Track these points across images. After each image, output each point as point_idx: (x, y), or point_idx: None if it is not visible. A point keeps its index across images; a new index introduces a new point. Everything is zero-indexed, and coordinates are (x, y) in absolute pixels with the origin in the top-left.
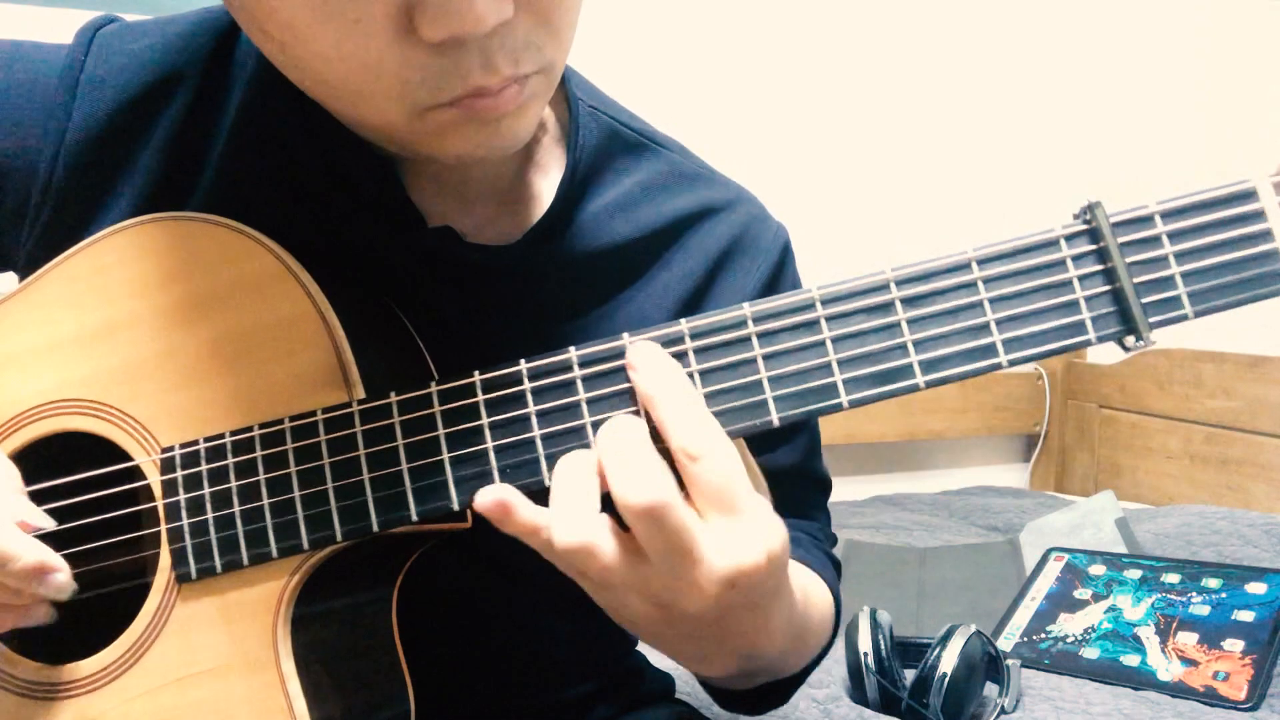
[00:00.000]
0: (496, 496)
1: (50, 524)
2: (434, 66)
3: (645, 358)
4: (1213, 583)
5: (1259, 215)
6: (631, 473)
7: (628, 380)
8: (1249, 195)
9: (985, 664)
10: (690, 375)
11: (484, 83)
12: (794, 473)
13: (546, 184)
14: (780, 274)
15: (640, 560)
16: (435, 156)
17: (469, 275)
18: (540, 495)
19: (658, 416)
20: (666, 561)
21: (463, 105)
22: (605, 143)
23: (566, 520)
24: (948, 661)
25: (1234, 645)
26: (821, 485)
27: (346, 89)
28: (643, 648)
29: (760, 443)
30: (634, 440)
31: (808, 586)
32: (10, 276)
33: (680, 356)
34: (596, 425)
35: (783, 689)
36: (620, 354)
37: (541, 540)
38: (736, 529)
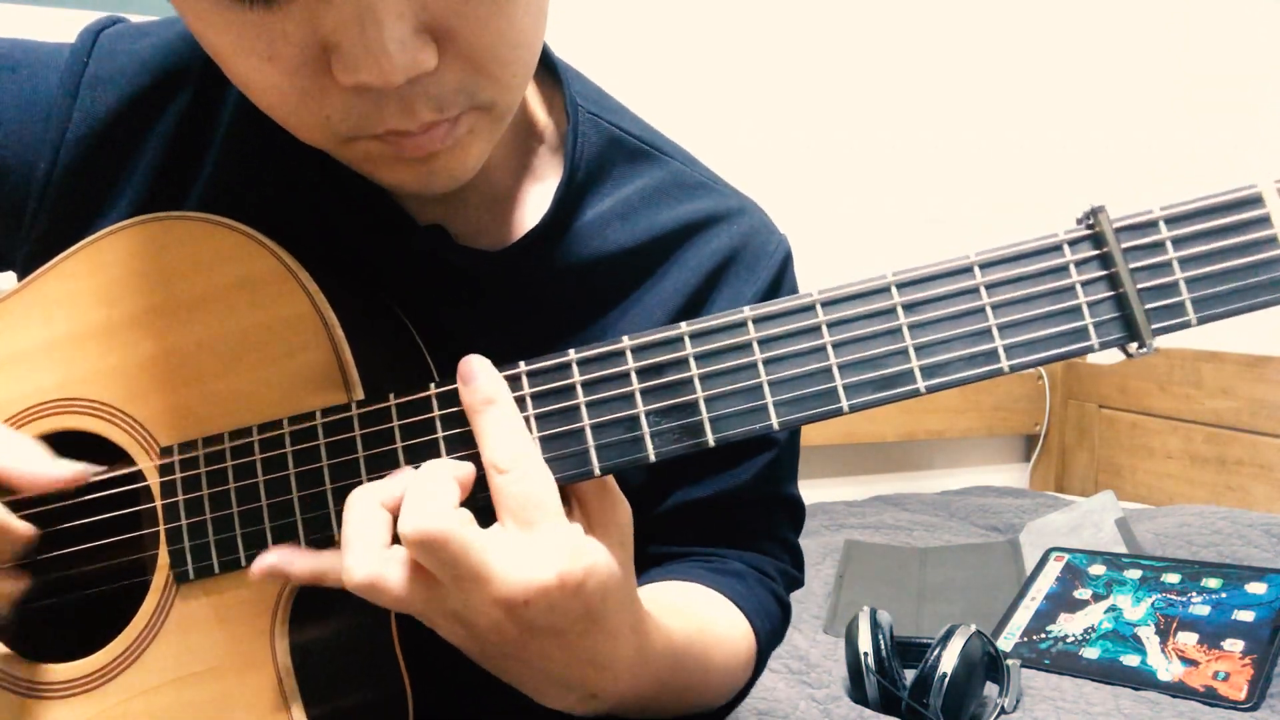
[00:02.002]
0: (269, 564)
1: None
2: (352, 103)
3: (474, 371)
4: (1213, 583)
5: (1264, 221)
6: (410, 504)
7: (627, 384)
8: (1254, 201)
9: (985, 664)
10: (690, 379)
11: (401, 126)
12: (747, 496)
13: (542, 191)
14: (779, 286)
15: (433, 583)
16: (377, 182)
17: (459, 279)
18: None
19: (475, 429)
20: (455, 584)
21: (387, 140)
22: (605, 150)
23: (352, 558)
24: (948, 661)
25: (1234, 645)
26: (788, 509)
27: (277, 115)
28: None
29: (710, 463)
30: (426, 474)
31: (710, 626)
32: (9, 275)
33: (680, 361)
34: (596, 428)
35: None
36: (619, 355)
37: (334, 580)
38: (530, 547)
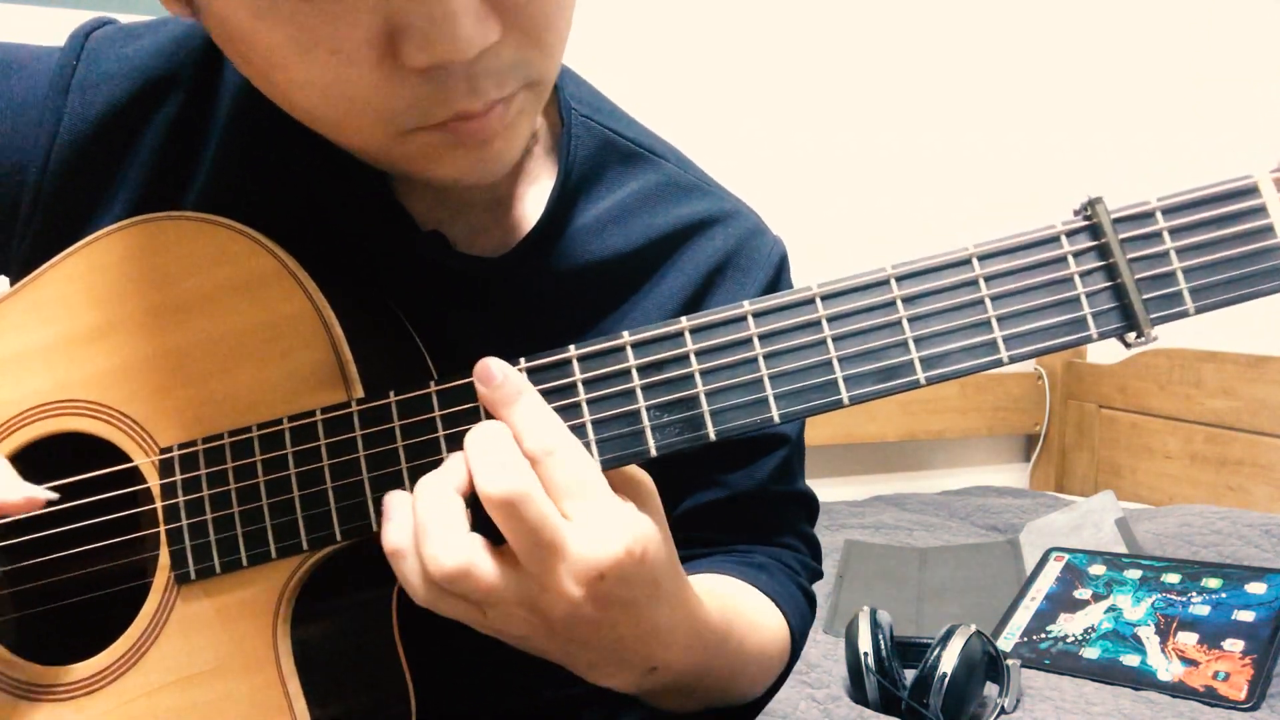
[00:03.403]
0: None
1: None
2: (417, 93)
3: (494, 370)
4: (1213, 583)
5: (1260, 210)
6: (490, 464)
7: (628, 380)
8: (1250, 191)
9: (985, 664)
10: (691, 374)
11: (469, 108)
12: (762, 495)
13: (537, 194)
14: (775, 288)
15: (514, 567)
16: (423, 179)
17: (458, 283)
18: None
19: (510, 424)
20: (534, 558)
21: (448, 128)
22: (598, 153)
23: (438, 545)
24: (948, 661)
25: (1234, 645)
26: (802, 503)
27: (328, 117)
28: None
29: (723, 465)
30: (495, 435)
31: (745, 610)
32: (2, 281)
33: (682, 357)
34: (597, 424)
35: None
36: (619, 350)
37: (410, 566)
38: (595, 521)
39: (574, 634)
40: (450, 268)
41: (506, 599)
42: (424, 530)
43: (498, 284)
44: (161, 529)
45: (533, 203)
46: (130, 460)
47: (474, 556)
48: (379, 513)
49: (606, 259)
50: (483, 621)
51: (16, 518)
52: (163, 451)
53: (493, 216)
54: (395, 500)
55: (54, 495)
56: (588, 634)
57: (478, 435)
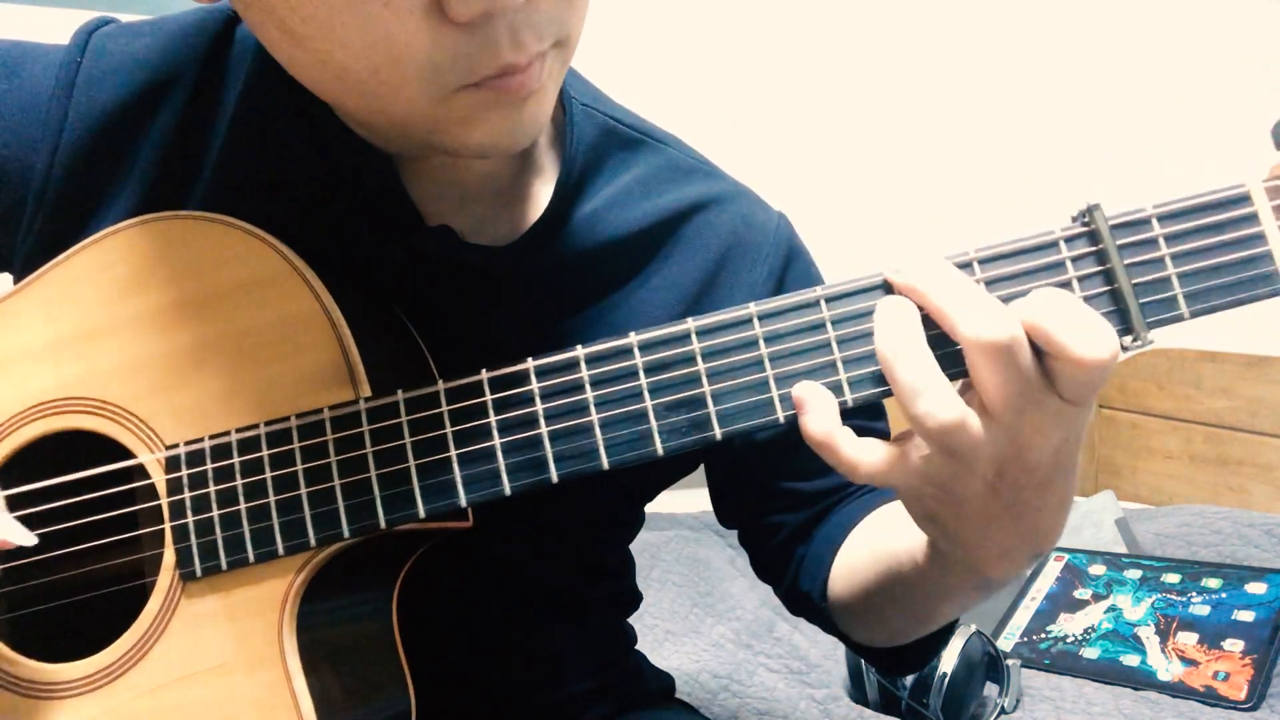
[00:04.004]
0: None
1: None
2: (464, 46)
3: (807, 395)
4: (1213, 583)
5: (1252, 219)
6: (983, 310)
7: (635, 379)
8: (1243, 199)
9: (985, 664)
10: (696, 374)
11: (513, 59)
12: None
13: (542, 183)
14: (789, 266)
15: (991, 421)
16: (458, 148)
17: (468, 276)
18: (543, 493)
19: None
20: (1015, 409)
21: (490, 86)
22: (601, 140)
23: (935, 400)
24: (948, 661)
25: (1234, 645)
26: None
27: (373, 79)
28: (642, 647)
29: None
30: (969, 283)
31: None
32: (7, 277)
33: (688, 357)
34: (604, 424)
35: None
36: (626, 352)
37: (847, 449)
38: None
39: (1020, 500)
40: (459, 259)
41: (985, 454)
42: (915, 390)
43: (507, 273)
44: (167, 526)
45: (537, 193)
46: (135, 458)
47: (966, 409)
48: (387, 511)
49: (612, 242)
50: (938, 490)
51: (22, 513)
52: (168, 449)
53: (498, 209)
54: (809, 390)
55: (34, 541)
56: (1032, 501)
57: (948, 286)
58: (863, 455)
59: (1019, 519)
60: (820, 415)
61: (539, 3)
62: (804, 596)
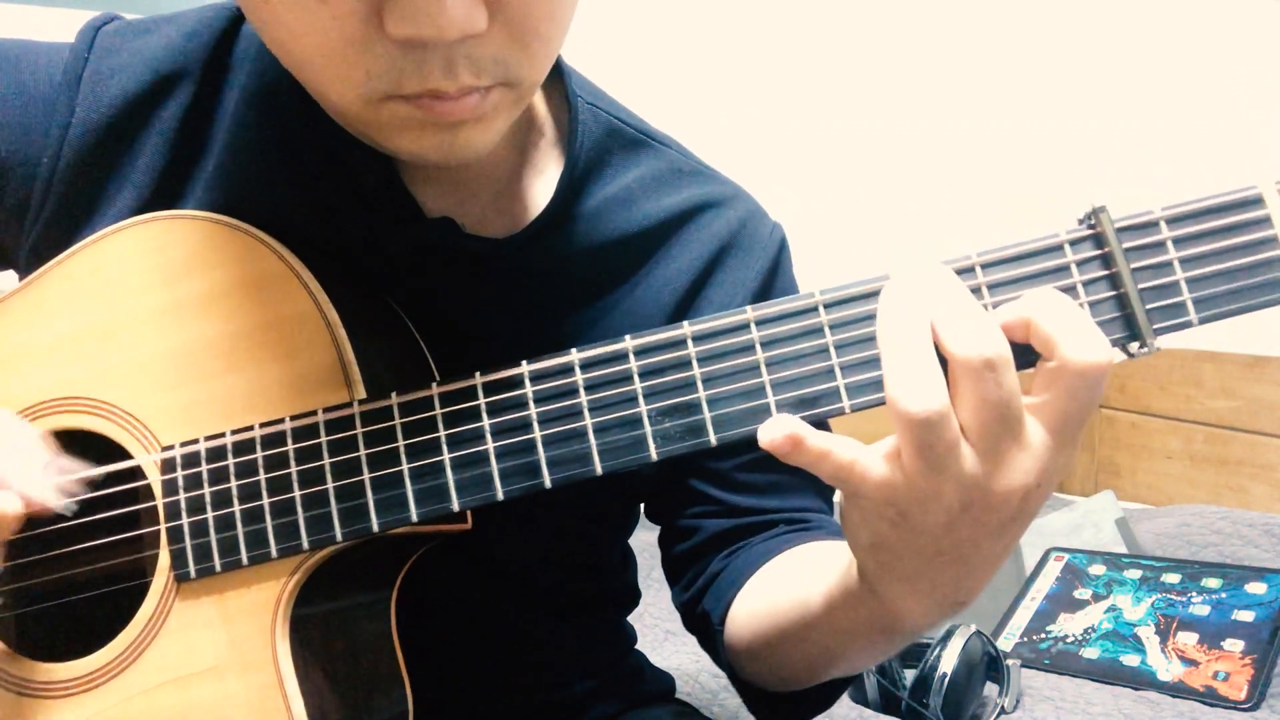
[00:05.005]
0: (786, 431)
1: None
2: (397, 59)
3: (793, 435)
4: (1213, 583)
5: (1264, 221)
6: (963, 326)
7: (630, 384)
8: (1255, 201)
9: (985, 664)
10: (692, 379)
11: (440, 86)
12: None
13: (543, 184)
14: (777, 269)
15: (967, 445)
16: (394, 151)
17: (468, 268)
18: (538, 495)
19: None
20: (992, 434)
21: (420, 103)
22: (605, 139)
23: (927, 385)
24: (948, 661)
25: (1234, 645)
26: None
27: (309, 67)
28: (641, 646)
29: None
30: (961, 295)
31: None
32: (10, 275)
33: (683, 361)
34: (598, 429)
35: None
36: (622, 355)
37: (835, 462)
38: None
39: (972, 539)
40: (459, 250)
41: (954, 475)
42: (903, 374)
43: (506, 265)
44: (162, 527)
45: (539, 191)
46: (132, 458)
47: (951, 409)
48: (380, 514)
49: (611, 241)
50: (898, 513)
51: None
52: (165, 449)
53: (499, 205)
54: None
55: (73, 507)
56: (983, 543)
57: (942, 291)
58: (834, 446)
59: (962, 562)
60: (783, 422)
61: (485, 40)
62: (702, 616)
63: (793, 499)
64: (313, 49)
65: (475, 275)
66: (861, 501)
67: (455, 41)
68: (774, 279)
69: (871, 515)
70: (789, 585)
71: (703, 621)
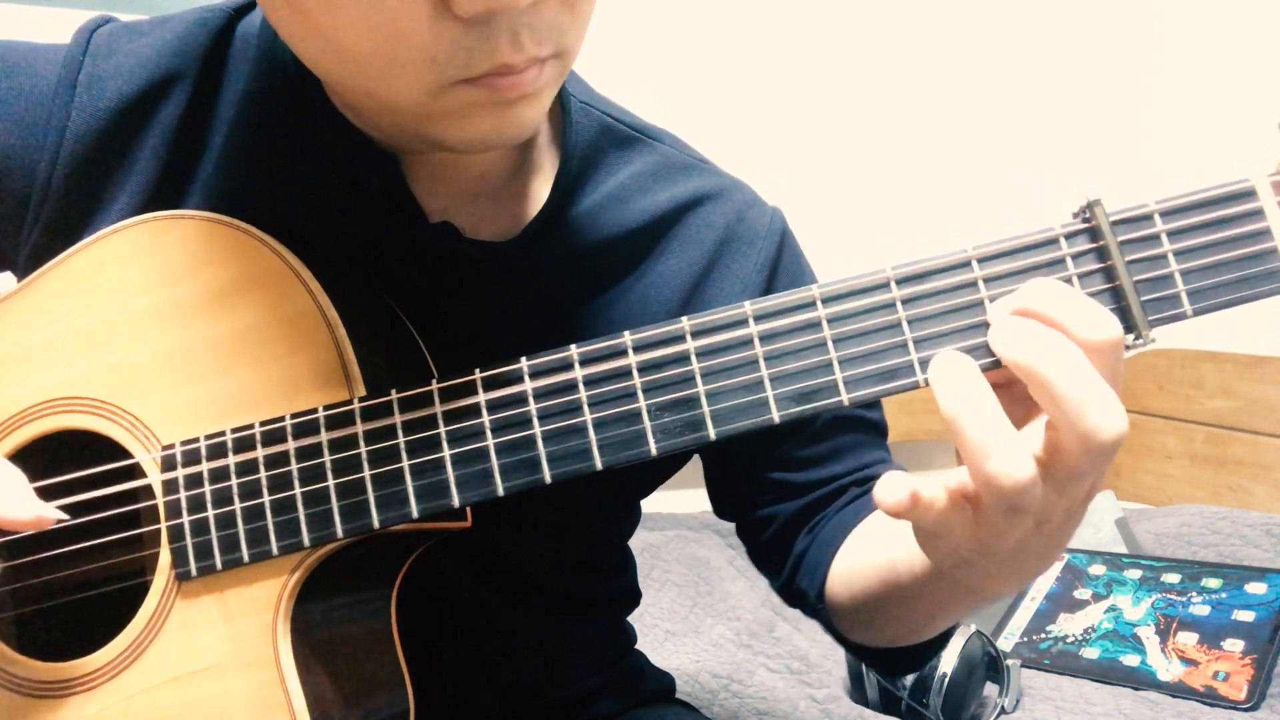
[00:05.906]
0: (905, 493)
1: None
2: (464, 41)
3: (890, 488)
4: (1213, 583)
5: (1258, 214)
6: (1028, 336)
7: (629, 379)
8: (1248, 194)
9: (985, 664)
10: (691, 374)
11: (511, 60)
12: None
13: (541, 181)
14: (780, 257)
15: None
16: (445, 141)
17: (468, 271)
18: (539, 491)
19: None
20: (1073, 431)
21: (485, 83)
22: (598, 138)
23: (1013, 456)
24: (948, 661)
25: (1234, 645)
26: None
27: (371, 62)
28: (642, 646)
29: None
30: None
31: None
32: (9, 276)
33: (682, 356)
34: (598, 424)
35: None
36: (621, 350)
37: (936, 513)
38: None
39: (1051, 534)
40: (459, 255)
41: (1038, 508)
42: (986, 449)
43: (506, 268)
44: (163, 525)
45: (536, 190)
46: (132, 457)
47: (1033, 468)
48: (380, 511)
49: (609, 239)
50: (978, 544)
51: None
52: (164, 449)
53: (499, 205)
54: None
55: (64, 516)
56: (1058, 534)
57: (1044, 350)
58: (935, 498)
59: (1040, 554)
60: (900, 481)
61: (543, 8)
62: (801, 595)
63: (853, 458)
64: (379, 42)
65: (475, 278)
66: (940, 542)
67: (520, 11)
68: (779, 267)
69: (953, 550)
70: (875, 563)
71: (802, 600)
